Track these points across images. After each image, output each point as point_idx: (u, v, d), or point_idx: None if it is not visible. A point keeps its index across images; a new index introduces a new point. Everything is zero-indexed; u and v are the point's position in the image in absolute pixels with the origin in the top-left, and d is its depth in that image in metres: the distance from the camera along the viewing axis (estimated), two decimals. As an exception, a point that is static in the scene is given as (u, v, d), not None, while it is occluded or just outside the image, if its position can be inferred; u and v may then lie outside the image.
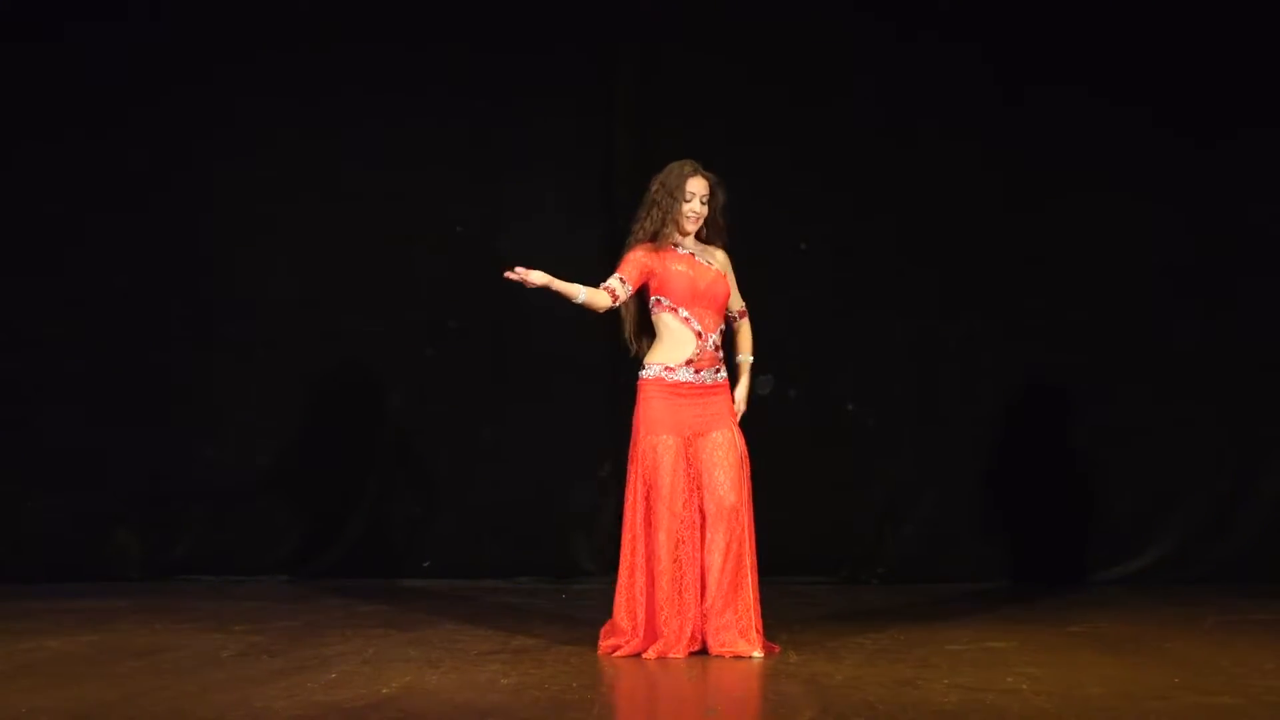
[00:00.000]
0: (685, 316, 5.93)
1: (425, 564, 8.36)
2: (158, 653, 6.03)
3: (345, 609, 7.28)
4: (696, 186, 5.95)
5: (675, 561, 5.87)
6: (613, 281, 5.91)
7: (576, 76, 8.33)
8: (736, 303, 6.13)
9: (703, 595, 5.88)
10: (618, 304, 5.94)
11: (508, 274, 5.75)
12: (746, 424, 6.01)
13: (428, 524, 8.38)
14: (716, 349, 5.99)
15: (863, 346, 8.21)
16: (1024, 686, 5.27)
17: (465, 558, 8.31)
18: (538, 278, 5.77)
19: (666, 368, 5.95)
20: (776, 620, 6.19)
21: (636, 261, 5.95)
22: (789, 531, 7.87)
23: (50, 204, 8.37)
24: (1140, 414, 8.13)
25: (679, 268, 5.93)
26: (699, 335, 5.93)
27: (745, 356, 6.12)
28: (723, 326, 6.04)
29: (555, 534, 8.31)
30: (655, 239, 5.96)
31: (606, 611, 6.05)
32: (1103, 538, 8.14)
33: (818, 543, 8.15)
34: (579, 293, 5.83)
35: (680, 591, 5.87)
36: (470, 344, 8.36)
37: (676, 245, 5.98)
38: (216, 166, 8.38)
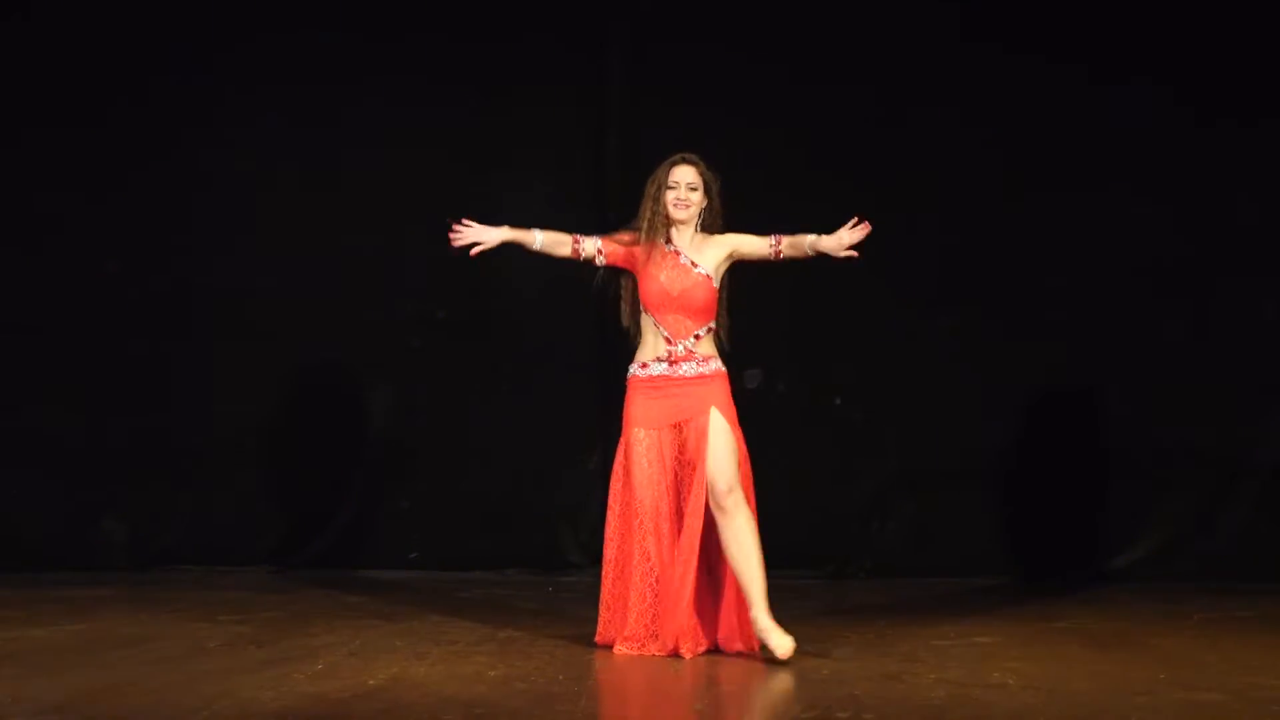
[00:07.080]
0: (655, 323, 5.95)
1: (412, 555, 8.35)
2: (143, 642, 6.02)
3: (332, 600, 7.28)
4: (680, 175, 5.94)
5: (644, 555, 5.84)
6: (589, 241, 5.99)
7: (567, 67, 8.30)
8: (764, 243, 5.97)
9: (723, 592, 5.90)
10: (579, 259, 5.99)
11: (458, 239, 5.90)
12: (739, 416, 5.96)
13: (415, 515, 8.37)
14: (689, 352, 5.89)
15: (852, 341, 8.20)
16: (1011, 681, 5.27)
17: (452, 549, 8.30)
18: (493, 236, 5.96)
19: (642, 364, 5.98)
20: (764, 614, 6.17)
21: (621, 241, 5.98)
22: (777, 525, 7.84)
23: (37, 191, 8.34)
24: (1126, 412, 8.13)
25: (657, 274, 5.91)
26: (668, 341, 5.92)
27: (808, 237, 5.92)
28: (709, 326, 5.94)
29: (543, 526, 8.30)
30: (650, 233, 5.93)
31: (593, 603, 6.06)
32: (1089, 534, 8.14)
33: (805, 537, 8.13)
34: (535, 238, 6.00)
35: (649, 587, 5.85)
36: (458, 335, 8.34)
37: (669, 242, 5.96)
38: (205, 156, 8.35)
